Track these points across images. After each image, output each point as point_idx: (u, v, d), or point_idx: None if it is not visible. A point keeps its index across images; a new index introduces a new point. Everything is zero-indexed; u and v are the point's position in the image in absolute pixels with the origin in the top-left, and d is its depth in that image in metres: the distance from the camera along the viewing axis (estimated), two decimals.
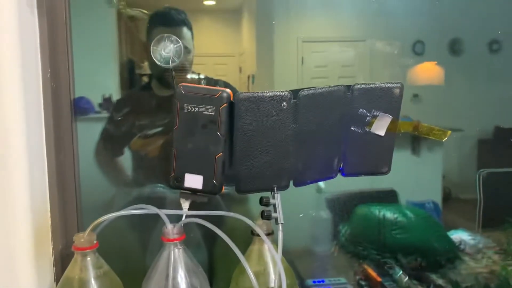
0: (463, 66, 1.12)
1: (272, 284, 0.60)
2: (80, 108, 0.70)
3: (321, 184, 0.95)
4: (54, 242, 0.61)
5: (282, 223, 0.59)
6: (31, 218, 0.55)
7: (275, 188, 0.61)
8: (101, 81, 0.81)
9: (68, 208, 0.66)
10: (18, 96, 0.54)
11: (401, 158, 0.88)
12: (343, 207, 0.95)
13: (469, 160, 1.20)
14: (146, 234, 0.70)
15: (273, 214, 0.59)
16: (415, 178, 1.10)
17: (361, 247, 0.97)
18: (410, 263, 0.95)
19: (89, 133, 0.74)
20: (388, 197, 1.06)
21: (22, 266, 0.54)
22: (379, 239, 0.96)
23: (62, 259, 0.64)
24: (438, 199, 1.14)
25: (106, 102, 0.82)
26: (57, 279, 0.62)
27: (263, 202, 0.59)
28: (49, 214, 0.61)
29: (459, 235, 1.05)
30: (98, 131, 0.76)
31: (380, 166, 0.66)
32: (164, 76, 0.80)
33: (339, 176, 0.83)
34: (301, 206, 0.93)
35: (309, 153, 0.63)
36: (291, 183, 0.64)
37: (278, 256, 0.57)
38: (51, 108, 0.62)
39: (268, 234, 0.61)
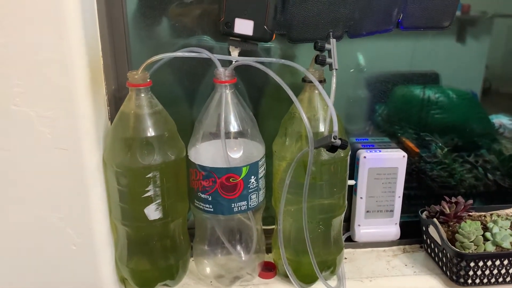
0: None
1: (322, 129, 0.61)
2: None
3: (362, 61, 0.92)
4: (107, 82, 0.62)
5: (336, 69, 0.58)
6: (85, 53, 0.54)
7: (331, 33, 0.59)
8: None
9: (118, 51, 0.66)
10: None
11: (444, 44, 0.83)
12: (382, 86, 0.93)
13: None
14: (195, 82, 0.71)
15: (328, 60, 0.57)
16: (456, 67, 1.04)
17: (398, 126, 0.96)
18: (447, 142, 0.95)
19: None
20: (429, 79, 1.03)
21: (80, 103, 0.55)
22: (417, 118, 0.96)
23: (115, 100, 0.65)
24: (478, 90, 1.10)
25: None
26: (111, 118, 0.64)
27: (318, 46, 0.57)
28: (100, 53, 0.61)
29: (499, 119, 1.03)
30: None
31: (442, 19, 0.62)
32: None
33: (380, 54, 0.80)
34: (339, 84, 0.91)
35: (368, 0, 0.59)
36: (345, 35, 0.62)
37: (331, 100, 0.56)
38: None
39: (320, 82, 0.60)
